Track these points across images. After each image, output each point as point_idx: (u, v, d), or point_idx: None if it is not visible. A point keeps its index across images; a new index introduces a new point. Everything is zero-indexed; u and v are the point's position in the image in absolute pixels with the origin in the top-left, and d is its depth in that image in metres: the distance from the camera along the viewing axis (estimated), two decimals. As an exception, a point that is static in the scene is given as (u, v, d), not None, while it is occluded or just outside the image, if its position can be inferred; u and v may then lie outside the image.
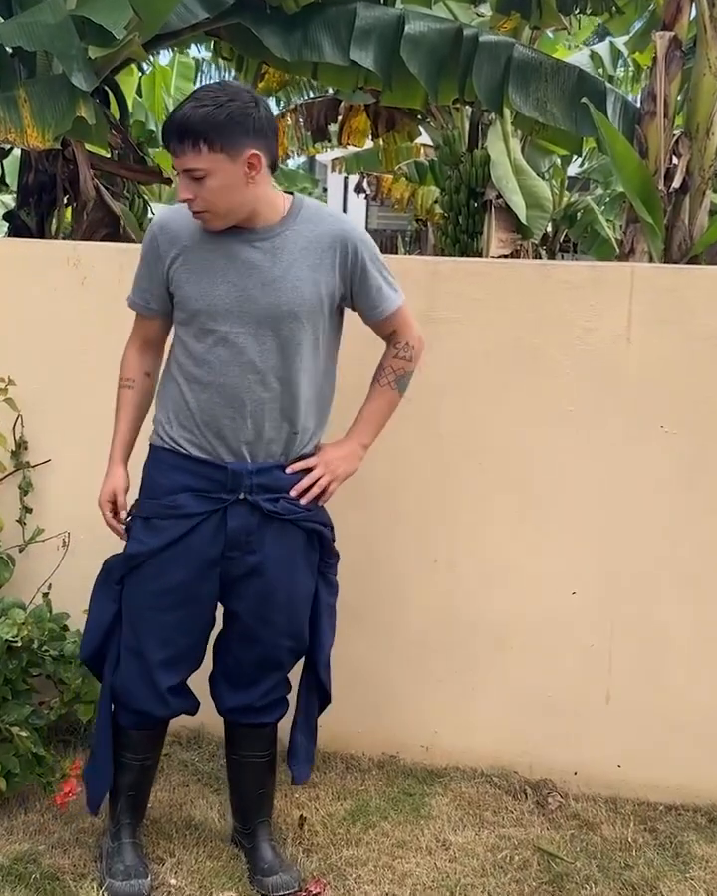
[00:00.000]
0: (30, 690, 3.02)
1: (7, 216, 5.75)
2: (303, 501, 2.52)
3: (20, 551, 3.30)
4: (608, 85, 5.52)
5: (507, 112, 6.57)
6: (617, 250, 11.33)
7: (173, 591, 2.49)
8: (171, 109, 15.05)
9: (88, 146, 5.27)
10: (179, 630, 2.53)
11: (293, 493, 2.51)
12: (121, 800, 2.69)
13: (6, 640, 2.79)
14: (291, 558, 2.54)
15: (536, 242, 8.39)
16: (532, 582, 3.19)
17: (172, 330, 2.54)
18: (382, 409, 2.64)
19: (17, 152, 6.01)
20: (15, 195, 6.00)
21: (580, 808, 3.13)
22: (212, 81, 17.13)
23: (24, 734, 2.88)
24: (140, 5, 4.37)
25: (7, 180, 6.22)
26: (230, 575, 2.51)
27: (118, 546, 2.62)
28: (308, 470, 2.53)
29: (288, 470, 2.50)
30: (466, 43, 5.50)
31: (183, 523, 2.46)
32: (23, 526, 3.32)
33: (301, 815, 2.98)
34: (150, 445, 2.56)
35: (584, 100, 5.14)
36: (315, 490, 2.53)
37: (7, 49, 4.45)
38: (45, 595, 3.23)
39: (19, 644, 2.89)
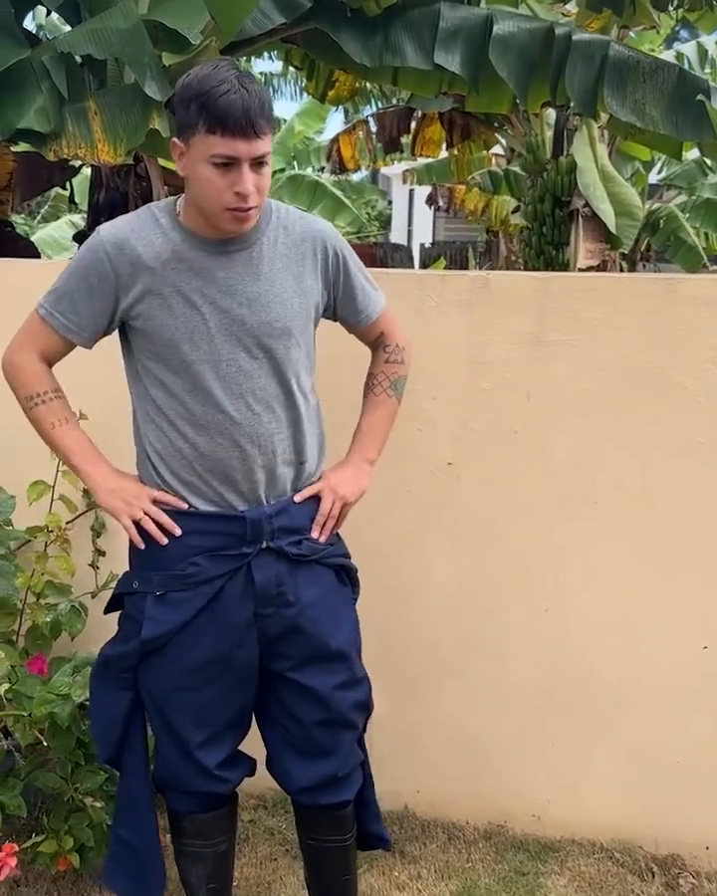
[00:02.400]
0: (104, 753, 2.76)
1: (77, 236, 5.53)
2: (322, 538, 2.22)
3: (93, 597, 3.04)
4: (713, 83, 5.15)
5: (593, 117, 6.22)
6: (704, 258, 10.96)
7: (204, 668, 2.16)
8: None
9: (161, 161, 5.04)
10: (218, 707, 2.20)
11: (314, 534, 2.21)
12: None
13: (79, 704, 2.52)
14: (328, 601, 2.24)
15: (625, 251, 8.01)
16: (657, 634, 2.86)
17: (134, 365, 2.15)
18: (383, 420, 2.36)
19: (87, 170, 5.84)
20: (85, 215, 5.81)
21: (715, 889, 2.78)
22: (276, 93, 17.05)
23: (98, 804, 2.62)
24: (217, 9, 4.11)
25: (76, 199, 6.05)
26: (269, 635, 2.18)
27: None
28: (317, 499, 2.23)
29: (296, 498, 2.20)
30: (558, 43, 5.16)
31: (205, 590, 2.12)
32: (96, 570, 3.06)
33: (403, 899, 2.67)
34: None
35: (700, 98, 4.78)
36: (330, 523, 2.24)
37: (76, 58, 4.22)
38: (119, 647, 2.97)
39: (92, 705, 2.62)
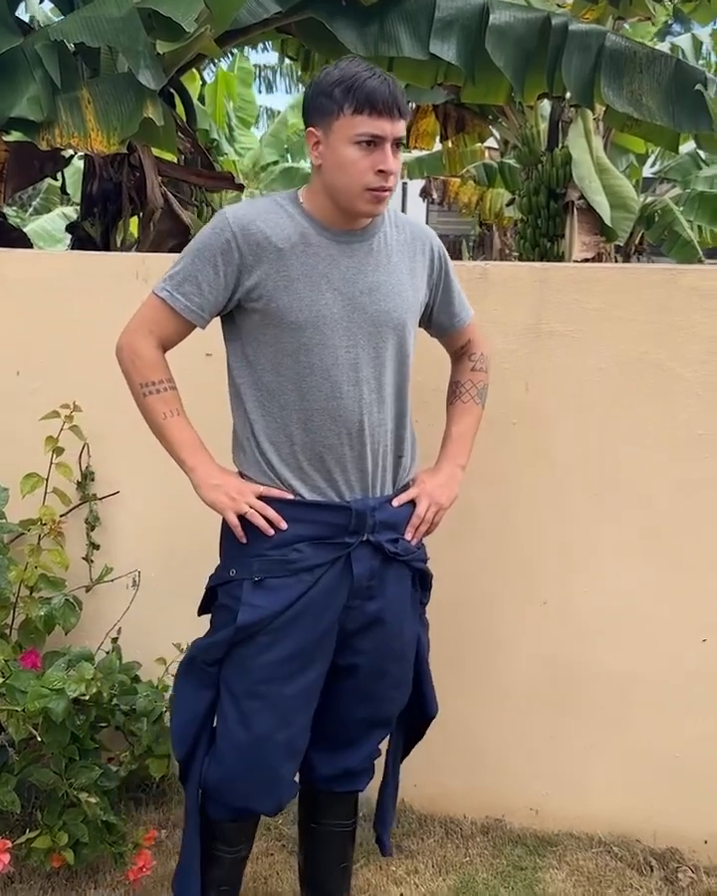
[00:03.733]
0: (99, 748, 2.74)
1: (70, 228, 5.48)
2: (414, 540, 2.24)
3: (86, 591, 3.01)
4: (709, 75, 5.11)
5: (590, 108, 6.18)
6: (699, 252, 10.95)
7: (294, 658, 2.13)
8: (233, 115, 14.98)
9: (155, 151, 4.99)
10: (297, 703, 2.17)
11: (407, 535, 2.22)
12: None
13: (73, 699, 2.49)
14: (404, 601, 2.27)
15: (620, 244, 7.99)
16: (656, 627, 2.83)
17: (242, 350, 2.14)
18: (472, 427, 2.41)
19: (79, 162, 5.79)
20: (77, 207, 5.76)
21: (714, 884, 2.76)
22: (269, 86, 17.08)
23: (93, 800, 2.59)
24: (212, -3, 4.07)
25: (69, 191, 5.99)
26: (347, 628, 2.18)
27: (193, 582, 2.29)
28: (412, 503, 2.25)
29: (394, 503, 2.21)
30: (555, 33, 5.11)
31: (305, 578, 2.11)
32: (90, 564, 3.03)
33: (400, 894, 2.65)
34: None
35: (698, 87, 4.74)
36: (424, 527, 2.26)
37: (69, 46, 4.17)
38: (114, 640, 2.95)
39: (88, 699, 2.59)
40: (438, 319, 2.34)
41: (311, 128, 2.03)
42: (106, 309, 2.98)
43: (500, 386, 2.80)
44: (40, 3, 6.01)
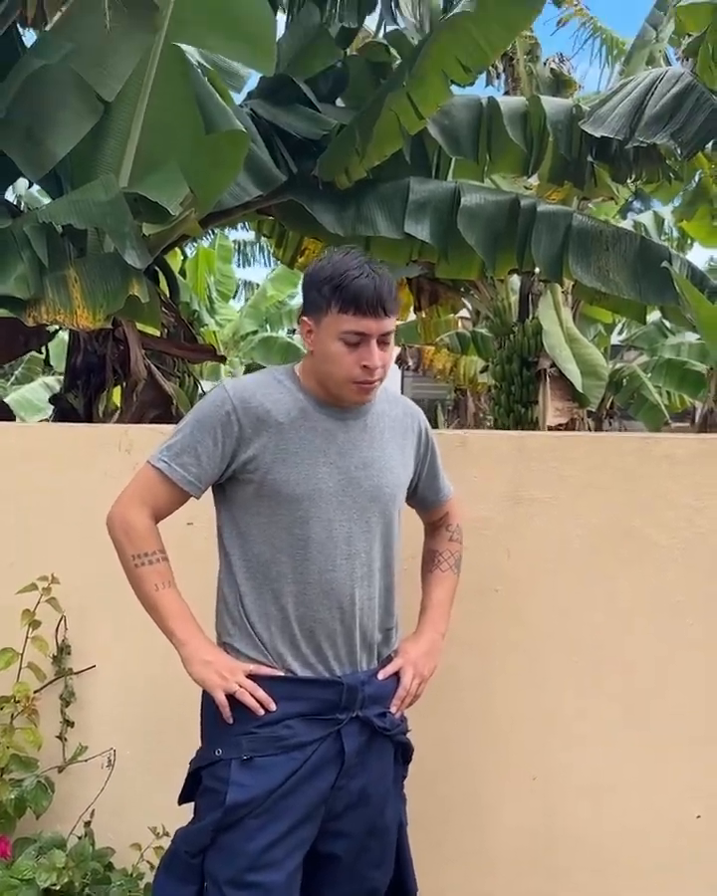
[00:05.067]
0: (67, 942, 2.59)
1: (53, 399, 5.58)
2: (398, 713, 2.22)
3: (59, 771, 2.91)
4: (672, 251, 5.37)
5: (559, 283, 6.45)
6: (666, 415, 11.21)
7: (281, 843, 2.04)
8: (214, 289, 15.41)
9: (138, 325, 5.13)
10: (286, 891, 2.06)
11: (392, 708, 2.19)
12: None
13: (44, 889, 2.38)
14: (387, 776, 2.22)
15: (591, 409, 8.18)
16: (644, 802, 2.75)
17: (235, 522, 2.15)
18: (450, 594, 2.42)
19: (64, 333, 5.93)
20: (60, 376, 5.86)
21: None
22: (249, 260, 17.63)
23: None
24: (196, 183, 4.28)
25: (52, 361, 6.12)
26: (333, 809, 2.11)
27: (171, 761, 2.21)
28: (396, 675, 2.22)
29: (380, 675, 2.19)
30: (524, 213, 5.40)
31: (296, 755, 2.06)
32: (64, 742, 2.94)
33: None
34: None
35: (664, 264, 4.97)
36: (409, 699, 2.23)
37: (57, 228, 4.34)
38: (86, 824, 2.83)
39: (59, 888, 2.47)
40: (422, 493, 2.39)
41: (303, 318, 2.12)
42: (87, 479, 3.01)
43: (481, 553, 2.81)
44: (29, 187, 6.27)
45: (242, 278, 20.00)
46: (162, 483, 2.14)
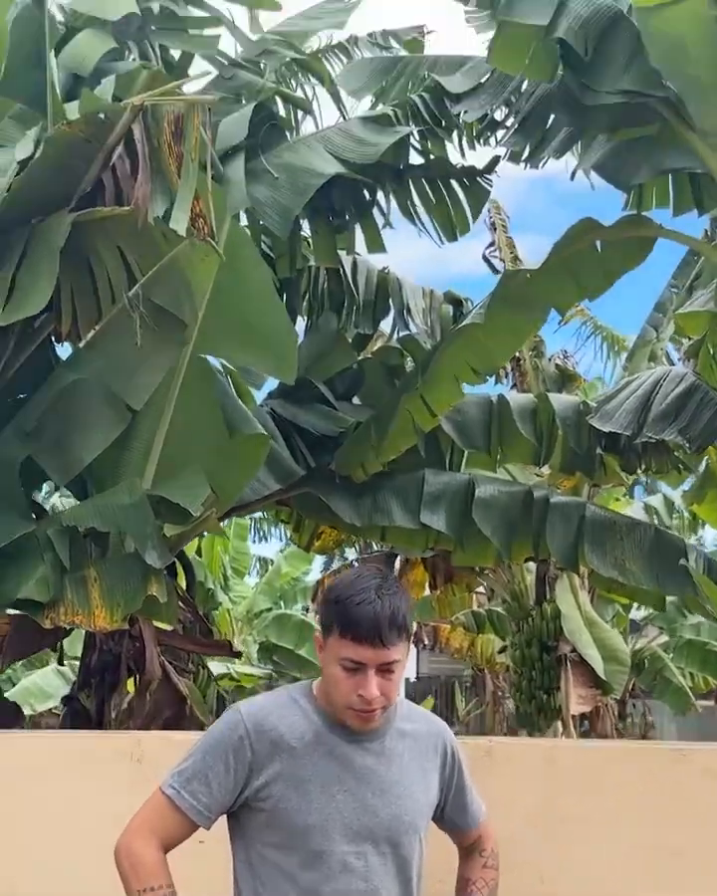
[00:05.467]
0: None
1: (66, 699, 5.50)
2: None
3: None
4: (687, 542, 5.43)
5: (575, 571, 6.50)
6: (692, 697, 10.92)
7: None
8: (228, 567, 15.49)
9: (155, 622, 5.11)
10: None
11: None
12: None
13: None
14: None
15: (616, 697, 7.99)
16: None
17: (247, 852, 2.04)
18: None
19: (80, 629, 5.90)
20: (72, 662, 5.76)
21: None
22: (264, 536, 17.78)
23: None
24: (217, 483, 4.40)
25: (64, 648, 6.06)
26: None
27: None
28: None
29: None
30: (537, 505, 5.52)
31: None
32: None
33: None
34: None
35: (682, 562, 5.02)
36: None
37: (80, 530, 4.42)
38: None
39: None
40: (450, 816, 2.23)
41: (316, 634, 2.08)
42: (96, 790, 2.89)
43: (512, 877, 2.64)
44: (55, 492, 6.43)
45: (256, 553, 20.18)
46: (172, 811, 2.04)
